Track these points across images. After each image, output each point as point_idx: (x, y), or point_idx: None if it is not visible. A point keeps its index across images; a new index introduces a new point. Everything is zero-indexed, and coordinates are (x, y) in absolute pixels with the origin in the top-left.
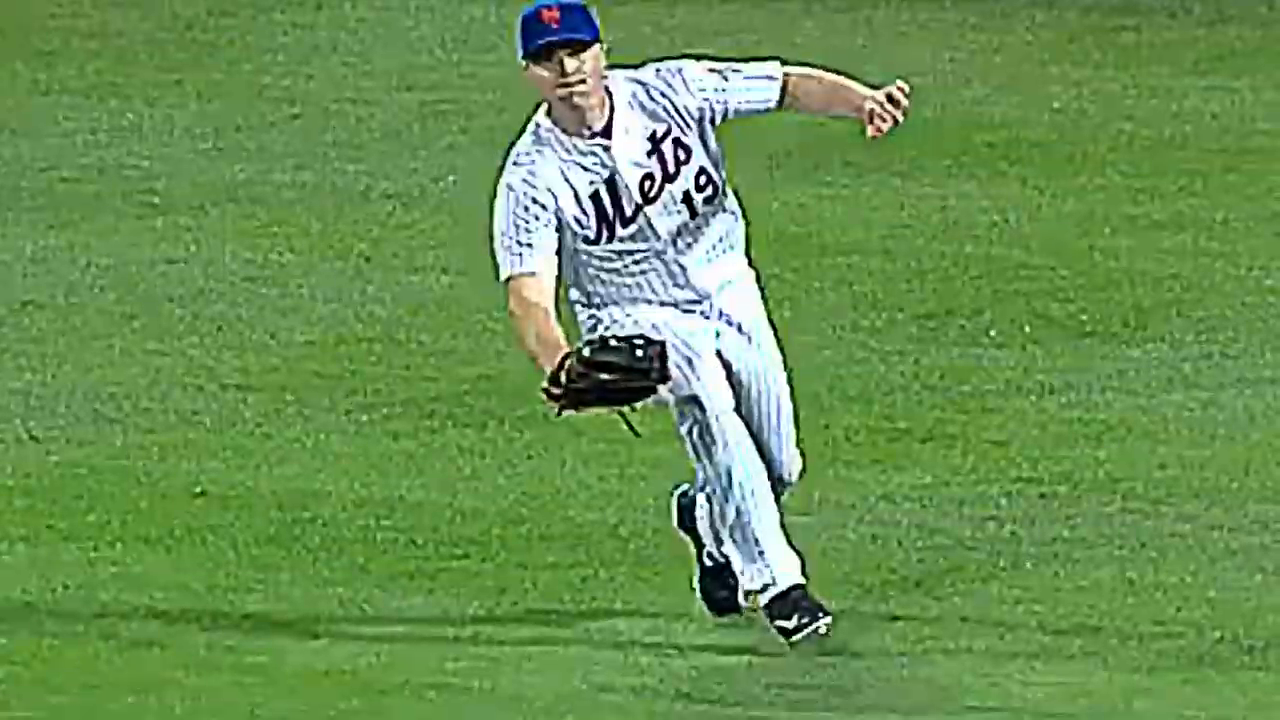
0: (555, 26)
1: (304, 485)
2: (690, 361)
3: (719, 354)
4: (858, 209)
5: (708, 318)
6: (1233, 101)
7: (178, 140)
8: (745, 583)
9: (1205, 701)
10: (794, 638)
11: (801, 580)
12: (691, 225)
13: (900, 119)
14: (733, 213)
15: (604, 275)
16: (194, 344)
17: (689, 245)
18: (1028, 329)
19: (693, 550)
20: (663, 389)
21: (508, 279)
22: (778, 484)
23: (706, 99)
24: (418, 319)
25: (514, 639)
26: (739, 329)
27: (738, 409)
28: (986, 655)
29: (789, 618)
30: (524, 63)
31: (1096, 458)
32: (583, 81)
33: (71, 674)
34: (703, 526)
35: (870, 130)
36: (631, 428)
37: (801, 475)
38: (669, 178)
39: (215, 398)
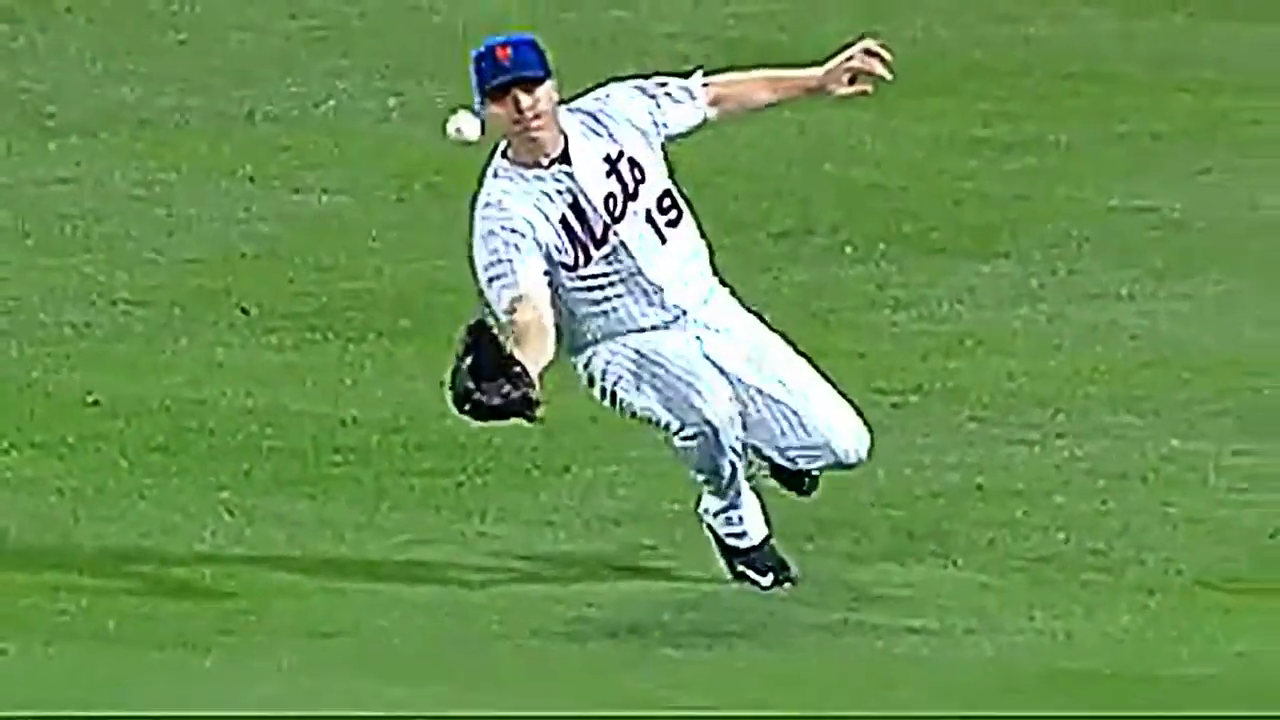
0: (508, 65)
1: (191, 395)
2: (691, 385)
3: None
4: (721, 133)
5: (685, 329)
6: (1077, 30)
7: (69, 65)
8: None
9: (1050, 599)
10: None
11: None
12: (661, 247)
13: (888, 63)
14: (699, 237)
15: (585, 310)
16: (86, 260)
17: (661, 265)
18: (882, 246)
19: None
20: (660, 409)
21: (506, 311)
22: (836, 466)
23: (645, 120)
24: (299, 237)
25: (393, 543)
26: (716, 331)
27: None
28: (843, 556)
29: (764, 573)
30: (479, 100)
31: (947, 369)
32: (537, 116)
33: None
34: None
35: (855, 89)
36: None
37: (870, 450)
38: (630, 196)
39: (106, 312)
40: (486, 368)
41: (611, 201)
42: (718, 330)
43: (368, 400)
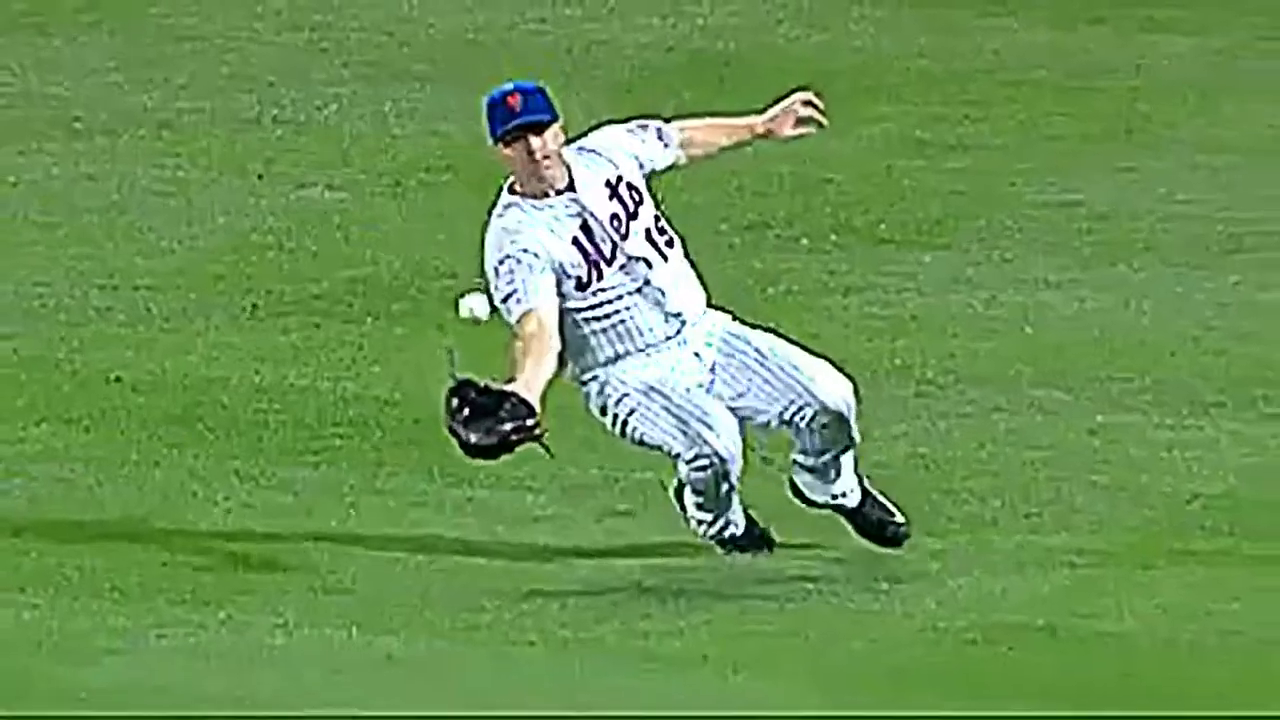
0: (518, 111)
1: (205, 373)
2: (703, 419)
3: (714, 370)
4: None
5: (685, 344)
6: (1011, 41)
7: (93, 73)
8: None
9: (988, 560)
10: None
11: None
12: (663, 264)
13: (823, 111)
14: (690, 266)
15: (595, 327)
16: (109, 250)
17: (664, 274)
18: (834, 237)
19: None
20: (672, 440)
21: (517, 321)
22: (825, 414)
23: (634, 153)
24: (304, 228)
25: (391, 505)
26: (709, 345)
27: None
28: (797, 519)
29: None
30: (492, 144)
31: (893, 348)
32: (547, 157)
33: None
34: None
35: (800, 131)
36: (546, 449)
37: (858, 397)
38: (632, 215)
39: (127, 296)
40: (482, 411)
41: (616, 221)
42: (709, 344)
43: (367, 377)
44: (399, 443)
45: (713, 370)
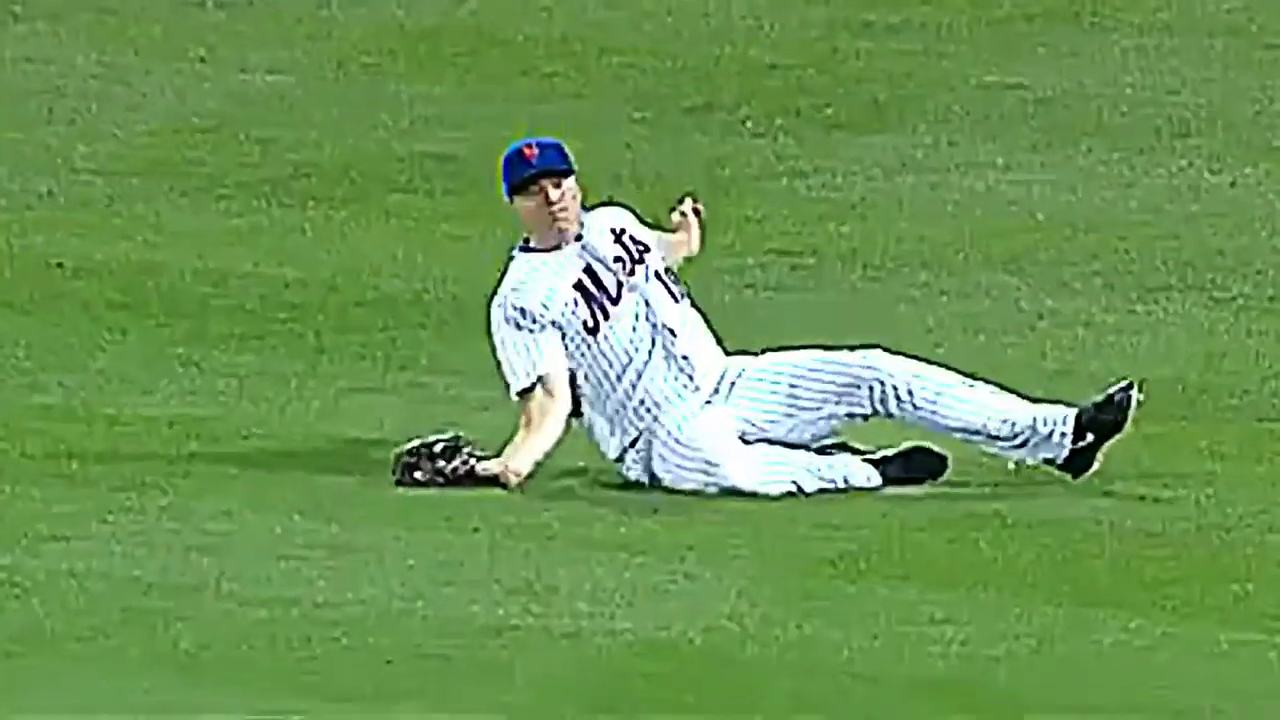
0: (534, 162)
1: (147, 258)
2: (717, 465)
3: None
4: (633, 14)
5: (698, 391)
6: None
7: None
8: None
9: (934, 439)
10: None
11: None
12: (674, 305)
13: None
14: (708, 327)
15: (613, 381)
16: (50, 134)
17: (675, 316)
18: (780, 121)
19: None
20: (700, 479)
21: (520, 392)
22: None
23: (638, 224)
24: (246, 112)
25: (332, 392)
26: (722, 387)
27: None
28: (754, 407)
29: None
30: (509, 197)
31: (841, 233)
32: (565, 209)
33: None
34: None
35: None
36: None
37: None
38: (636, 260)
39: (69, 180)
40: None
41: (621, 264)
42: (723, 384)
43: (309, 262)
44: (342, 328)
45: (745, 407)
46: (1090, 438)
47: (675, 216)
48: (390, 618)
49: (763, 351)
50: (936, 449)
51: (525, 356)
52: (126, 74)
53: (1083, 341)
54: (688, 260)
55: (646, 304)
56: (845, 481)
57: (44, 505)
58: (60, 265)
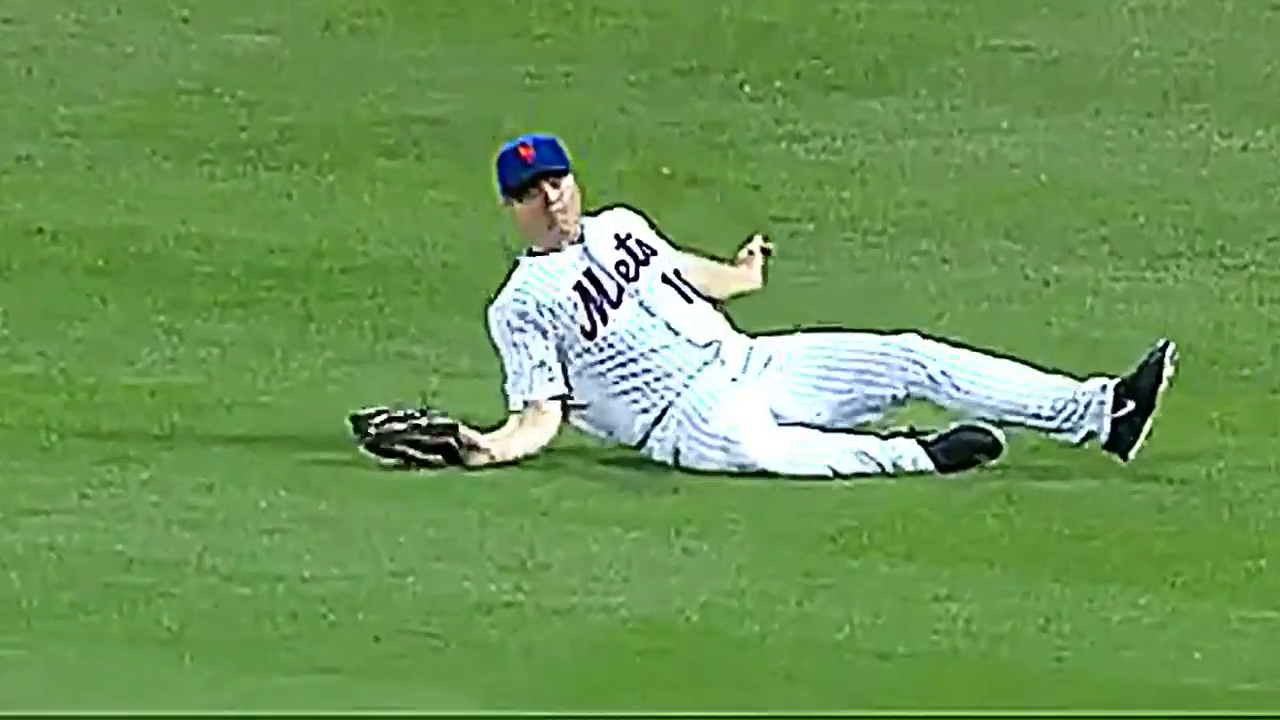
0: (532, 161)
1: (129, 222)
2: (738, 443)
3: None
4: None
5: (724, 365)
6: None
7: None
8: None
9: (939, 419)
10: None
11: None
12: (687, 306)
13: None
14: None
15: (632, 368)
16: (29, 95)
17: (687, 316)
18: (779, 83)
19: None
20: (722, 458)
21: (523, 404)
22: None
23: (647, 226)
24: (232, 73)
25: (319, 361)
26: (750, 367)
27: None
28: (786, 388)
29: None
30: (506, 200)
31: (841, 198)
32: (564, 209)
33: None
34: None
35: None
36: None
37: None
38: (641, 263)
39: (49, 143)
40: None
41: (623, 267)
42: (750, 365)
43: (295, 227)
44: (329, 295)
45: (776, 389)
46: (1130, 405)
47: (743, 253)
48: (379, 594)
49: (793, 331)
50: (987, 427)
51: (525, 374)
52: (108, 34)
53: (1090, 310)
54: (735, 296)
55: (648, 310)
56: (894, 466)
57: (23, 477)
58: (39, 231)
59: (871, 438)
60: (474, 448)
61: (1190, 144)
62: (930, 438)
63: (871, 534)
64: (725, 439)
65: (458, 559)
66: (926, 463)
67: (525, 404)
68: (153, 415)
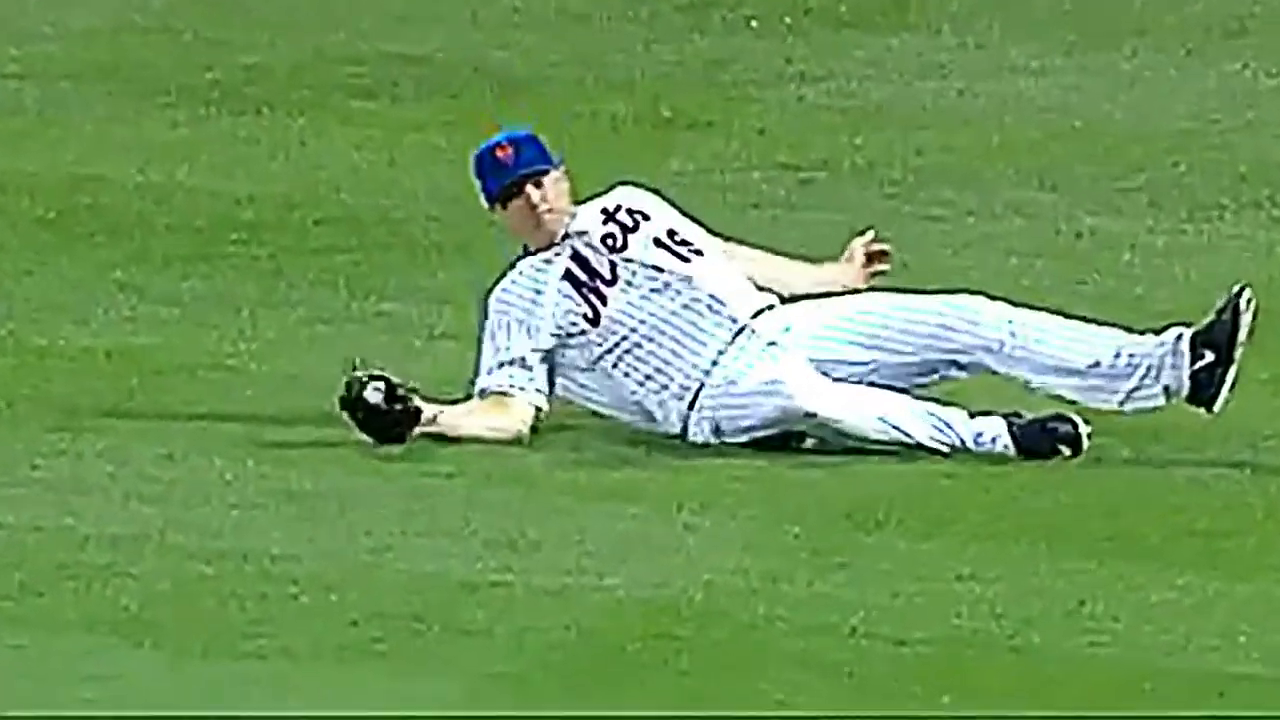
0: (511, 164)
1: (83, 170)
2: (782, 382)
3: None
4: None
5: (755, 333)
6: None
7: None
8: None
9: (965, 391)
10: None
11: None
12: (685, 265)
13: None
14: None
15: (650, 346)
16: None
17: (682, 268)
18: (788, 19)
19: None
20: (768, 408)
21: (479, 391)
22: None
23: (653, 197)
24: (192, 10)
25: (290, 320)
26: (792, 330)
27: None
28: (832, 353)
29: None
30: (489, 206)
31: (855, 144)
32: (550, 208)
33: None
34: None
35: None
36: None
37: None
38: (629, 230)
39: None
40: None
41: (611, 239)
42: (784, 332)
43: (263, 175)
44: (300, 249)
45: (821, 354)
46: (1209, 355)
47: (856, 244)
48: (355, 573)
49: (838, 294)
50: (1075, 418)
51: (487, 363)
52: None
53: (1128, 265)
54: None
55: (647, 269)
56: (975, 442)
57: None
58: None
59: (956, 409)
60: (420, 416)
61: (1234, 84)
62: (1021, 421)
63: (887, 509)
64: (769, 383)
65: (441, 535)
66: (1009, 445)
67: (481, 392)
68: (109, 379)
